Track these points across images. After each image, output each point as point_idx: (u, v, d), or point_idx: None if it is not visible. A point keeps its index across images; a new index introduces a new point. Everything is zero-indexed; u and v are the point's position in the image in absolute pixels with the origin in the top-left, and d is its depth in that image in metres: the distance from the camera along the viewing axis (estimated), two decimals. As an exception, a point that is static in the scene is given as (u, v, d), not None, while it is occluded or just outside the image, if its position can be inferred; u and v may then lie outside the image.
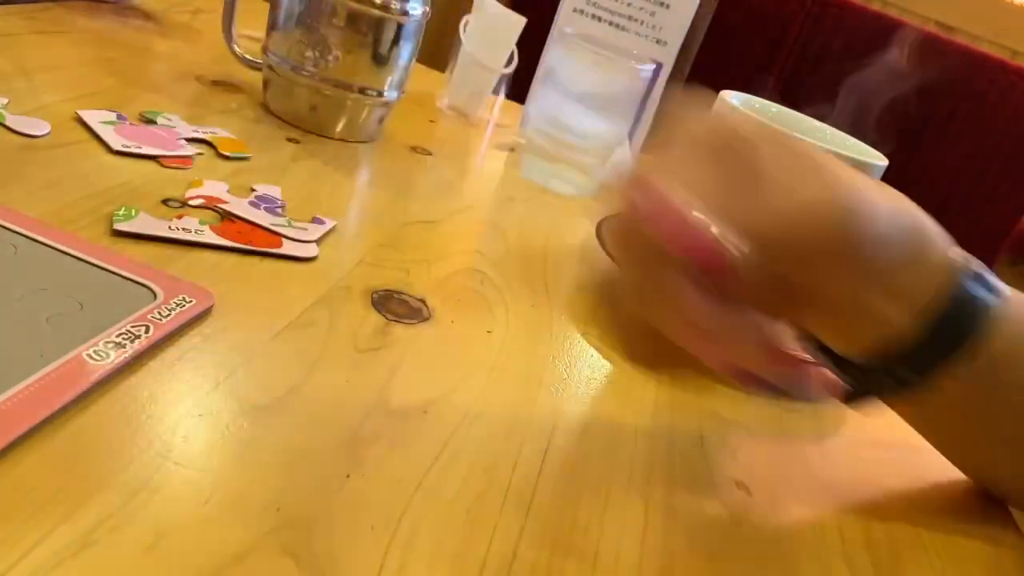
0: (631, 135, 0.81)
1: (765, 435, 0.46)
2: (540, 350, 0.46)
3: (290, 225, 0.48)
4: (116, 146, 0.50)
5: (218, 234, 0.44)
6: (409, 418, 0.36)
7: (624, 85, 0.68)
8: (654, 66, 0.70)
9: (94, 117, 0.53)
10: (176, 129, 0.55)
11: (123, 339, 0.33)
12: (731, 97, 0.52)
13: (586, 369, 0.46)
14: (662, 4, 0.77)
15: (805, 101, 0.64)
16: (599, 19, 0.78)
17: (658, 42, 0.78)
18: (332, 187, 0.57)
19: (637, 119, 0.77)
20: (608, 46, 0.70)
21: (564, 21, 0.78)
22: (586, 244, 0.64)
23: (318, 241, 0.48)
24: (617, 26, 0.78)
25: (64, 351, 0.32)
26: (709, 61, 0.84)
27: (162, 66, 0.68)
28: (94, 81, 0.60)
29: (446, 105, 0.86)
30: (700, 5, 0.77)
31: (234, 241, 0.44)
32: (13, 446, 0.27)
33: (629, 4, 0.77)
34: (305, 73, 0.63)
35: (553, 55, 0.70)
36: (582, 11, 0.78)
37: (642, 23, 0.78)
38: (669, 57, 0.79)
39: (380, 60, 0.63)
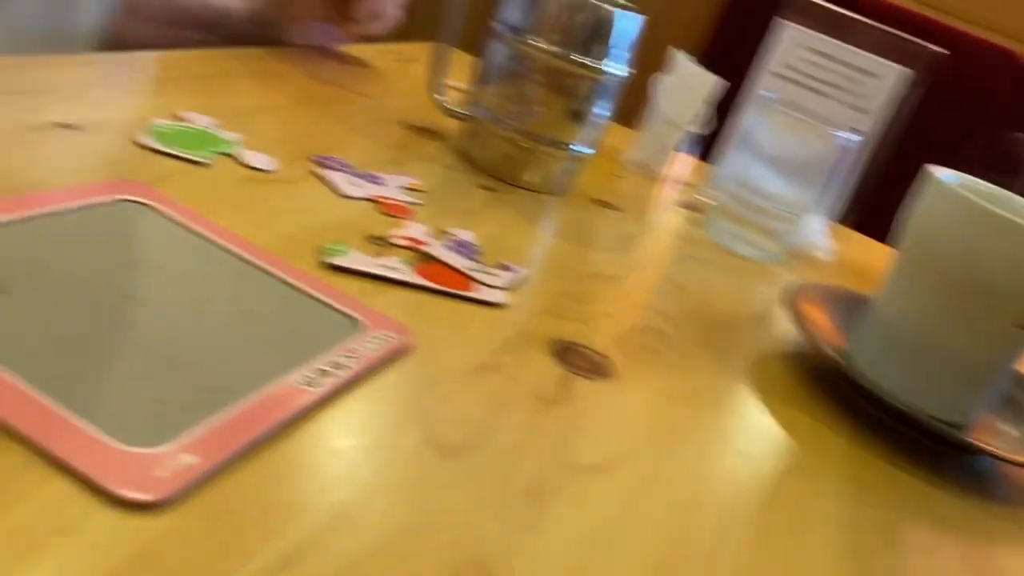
0: (823, 203, 0.78)
1: (963, 534, 0.42)
2: (721, 420, 0.45)
3: (483, 270, 0.50)
4: (346, 192, 0.53)
5: (418, 274, 0.46)
6: (588, 475, 0.36)
7: (820, 152, 0.67)
8: (854, 135, 0.67)
9: (324, 162, 0.57)
10: (392, 177, 0.58)
11: (330, 368, 0.35)
12: (941, 174, 0.50)
13: (768, 444, 0.44)
14: (868, 73, 0.75)
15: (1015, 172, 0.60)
16: (798, 84, 0.76)
17: (860, 111, 0.76)
18: (521, 235, 0.58)
19: (831, 188, 0.75)
20: (806, 111, 0.68)
21: (762, 84, 0.77)
22: (770, 312, 0.62)
23: (507, 288, 0.49)
24: (818, 92, 0.76)
25: (278, 374, 0.34)
26: (915, 132, 0.80)
27: (369, 110, 0.72)
28: (309, 122, 0.64)
29: (633, 160, 0.86)
30: (911, 77, 0.74)
31: (432, 282, 0.46)
32: (226, 463, 0.29)
33: (832, 71, 0.75)
34: (504, 125, 0.65)
35: (748, 117, 0.69)
36: (781, 75, 0.76)
37: (845, 91, 0.76)
38: (871, 127, 0.77)
39: (577, 116, 0.65)
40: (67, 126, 0.48)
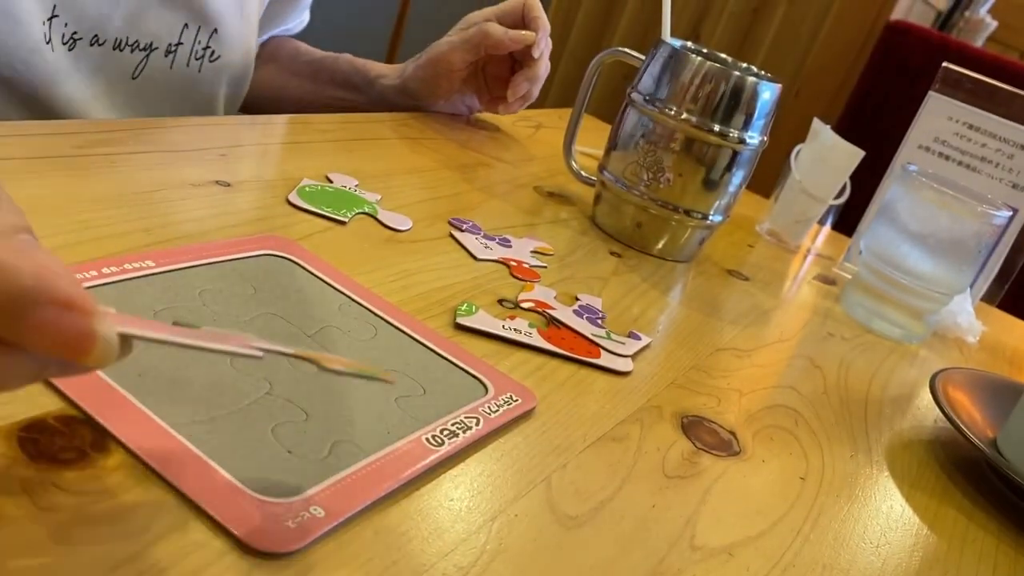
0: (972, 284, 0.74)
1: None
2: (856, 508, 0.42)
3: (609, 337, 0.49)
4: (479, 255, 0.54)
5: (544, 338, 0.46)
6: (713, 558, 0.35)
7: (972, 229, 0.63)
8: (1010, 212, 0.64)
9: (458, 224, 0.58)
10: (522, 241, 0.59)
11: (457, 428, 0.35)
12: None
13: (907, 536, 0.42)
14: (1022, 147, 0.71)
15: None
16: (947, 158, 0.73)
17: (1015, 187, 0.72)
18: (648, 303, 0.58)
19: (981, 267, 0.71)
20: (955, 186, 0.65)
21: (907, 157, 0.74)
22: (912, 395, 0.59)
23: (633, 356, 0.49)
24: (967, 167, 0.73)
25: (407, 432, 0.34)
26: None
27: (505, 175, 0.74)
28: (448, 184, 0.66)
29: (766, 230, 0.84)
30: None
31: (558, 347, 0.46)
32: (355, 517, 0.30)
33: (984, 145, 0.72)
34: (635, 192, 0.65)
35: (893, 191, 0.67)
36: (928, 148, 0.73)
37: (997, 165, 0.72)
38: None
39: (711, 185, 0.64)
40: (223, 183, 0.51)
